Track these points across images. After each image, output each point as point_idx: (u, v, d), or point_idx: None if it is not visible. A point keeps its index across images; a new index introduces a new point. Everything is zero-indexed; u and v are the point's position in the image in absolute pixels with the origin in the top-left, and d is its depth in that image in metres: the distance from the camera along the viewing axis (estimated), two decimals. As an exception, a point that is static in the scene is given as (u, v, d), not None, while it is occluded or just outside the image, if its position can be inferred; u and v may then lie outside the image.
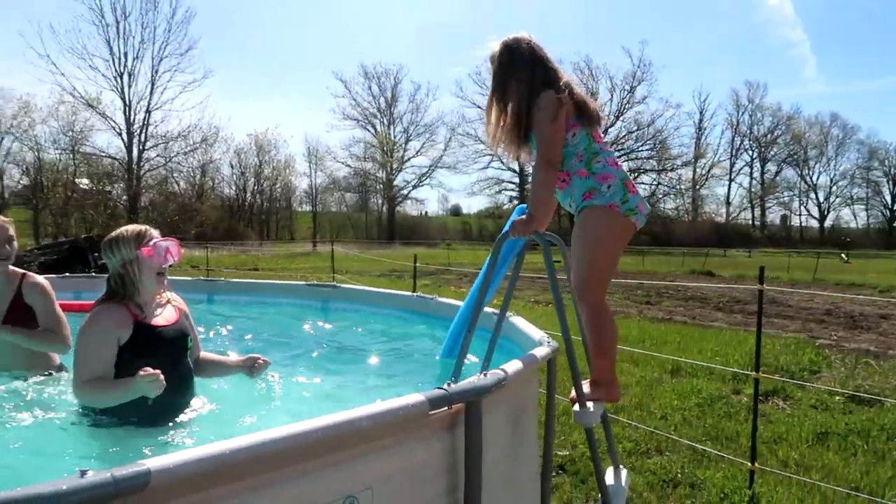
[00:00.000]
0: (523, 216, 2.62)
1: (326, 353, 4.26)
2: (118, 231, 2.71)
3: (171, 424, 2.53)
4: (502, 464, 2.19)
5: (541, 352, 2.54)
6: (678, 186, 63.82)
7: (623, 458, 4.39)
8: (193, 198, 41.35)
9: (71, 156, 36.35)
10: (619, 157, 60.06)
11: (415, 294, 5.14)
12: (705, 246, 44.47)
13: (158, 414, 2.48)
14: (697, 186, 64.85)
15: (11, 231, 3.27)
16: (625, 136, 60.43)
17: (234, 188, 50.80)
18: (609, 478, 2.79)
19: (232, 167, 49.69)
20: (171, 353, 2.64)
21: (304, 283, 5.91)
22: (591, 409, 2.51)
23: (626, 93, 58.82)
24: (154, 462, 1.18)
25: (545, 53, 2.76)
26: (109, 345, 2.49)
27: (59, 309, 3.22)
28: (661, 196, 63.88)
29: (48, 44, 67.72)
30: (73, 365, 2.51)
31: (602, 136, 2.83)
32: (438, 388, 1.74)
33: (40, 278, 3.27)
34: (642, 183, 61.93)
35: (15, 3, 65.06)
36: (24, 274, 3.23)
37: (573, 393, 2.61)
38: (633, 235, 2.77)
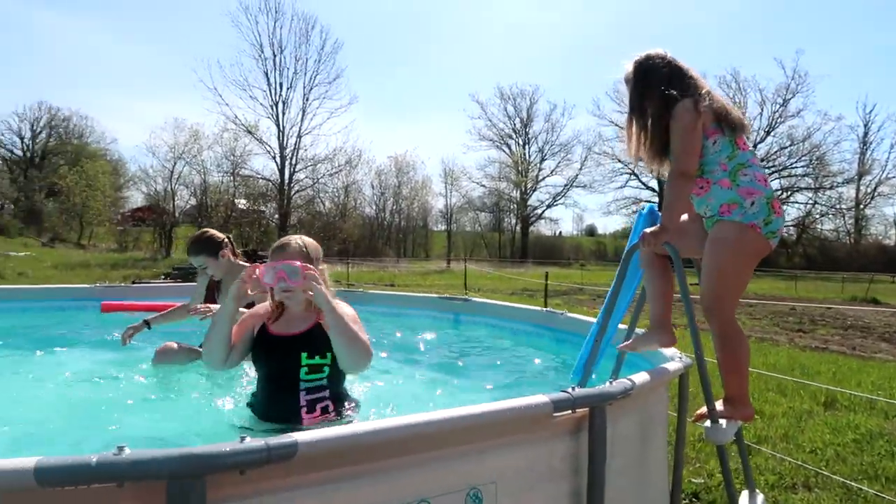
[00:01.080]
0: (654, 227, 2.59)
1: (453, 364, 4.38)
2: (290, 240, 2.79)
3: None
4: (628, 477, 2.17)
5: (672, 366, 2.49)
6: (838, 206, 58.46)
7: (764, 491, 4.12)
8: (337, 216, 43.73)
9: (231, 178, 39.81)
10: (770, 174, 56.15)
11: (544, 309, 5.15)
12: (870, 271, 40.40)
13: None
14: (861, 206, 59.01)
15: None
16: (776, 151, 56.36)
17: (374, 207, 53.17)
18: (744, 501, 2.66)
19: (373, 187, 52.08)
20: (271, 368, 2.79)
21: (436, 295, 6.10)
22: (724, 426, 2.42)
23: (777, 106, 55.00)
24: (302, 436, 1.32)
25: (681, 65, 2.72)
26: (244, 329, 2.72)
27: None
28: (817, 216, 58.80)
29: (215, 77, 74.90)
30: None
31: (748, 144, 2.72)
32: (563, 391, 1.78)
33: None
34: (796, 202, 57.39)
35: (188, 43, 72.56)
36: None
37: (701, 409, 2.53)
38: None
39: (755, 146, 55.43)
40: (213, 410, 2.89)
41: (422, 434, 1.44)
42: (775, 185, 57.06)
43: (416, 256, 50.13)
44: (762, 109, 56.09)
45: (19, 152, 51.44)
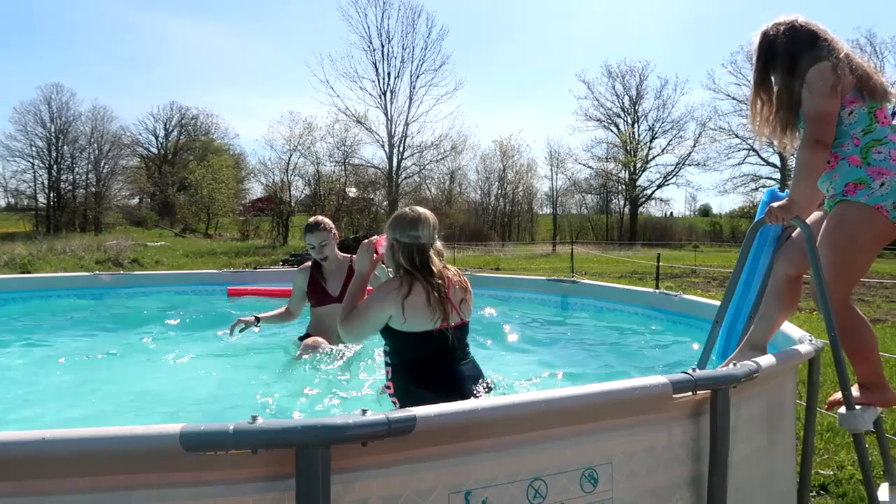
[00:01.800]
0: (782, 201, 2.43)
1: (562, 347, 4.34)
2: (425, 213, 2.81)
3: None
4: (752, 465, 2.08)
5: (802, 349, 2.34)
6: None
7: (906, 486, 3.81)
8: (443, 202, 44.21)
9: (342, 168, 41.15)
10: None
11: (657, 290, 4.99)
12: None
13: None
14: None
15: (324, 239, 4.04)
16: (918, 120, 51.23)
17: (479, 192, 53.30)
18: (883, 494, 2.47)
19: (478, 172, 52.19)
20: None
21: (545, 277, 6.05)
22: (861, 413, 2.25)
23: (921, 69, 49.91)
24: (420, 410, 1.36)
25: (814, 28, 2.51)
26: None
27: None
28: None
29: (327, 70, 77.50)
30: None
31: (890, 117, 2.49)
32: (683, 372, 1.72)
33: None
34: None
35: (302, 39, 75.50)
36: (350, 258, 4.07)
37: (835, 395, 2.37)
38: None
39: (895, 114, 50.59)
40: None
41: (539, 412, 1.44)
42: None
43: (521, 240, 49.89)
44: (902, 73, 51.03)
45: (154, 150, 55.66)
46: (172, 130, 56.13)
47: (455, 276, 2.76)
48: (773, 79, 2.57)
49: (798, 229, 2.57)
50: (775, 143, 2.69)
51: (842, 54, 2.41)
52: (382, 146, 39.60)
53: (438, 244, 2.78)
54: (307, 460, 1.27)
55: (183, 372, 3.52)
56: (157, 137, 55.60)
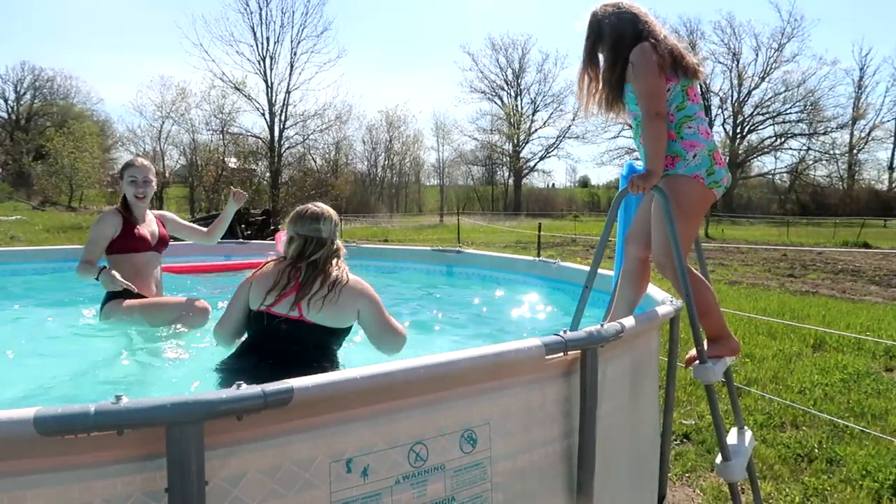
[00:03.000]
0: (642, 172, 2.59)
1: (446, 315, 4.42)
2: (328, 210, 2.83)
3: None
4: (619, 419, 2.22)
5: (662, 310, 2.52)
6: (832, 151, 58.27)
7: (754, 431, 4.23)
8: (329, 173, 43.42)
9: (221, 136, 39.34)
10: (764, 120, 55.68)
11: (538, 259, 5.18)
12: (862, 216, 40.54)
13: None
14: (855, 151, 58.84)
15: (150, 175, 3.94)
16: (771, 97, 55.78)
17: (366, 163, 52.81)
18: (732, 438, 2.74)
19: (364, 143, 51.66)
20: None
21: (429, 248, 6.11)
22: (712, 366, 2.47)
23: (773, 51, 54.27)
24: (297, 382, 1.35)
25: (637, 9, 2.71)
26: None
27: None
28: (811, 162, 58.65)
29: (201, 33, 73.28)
30: (384, 317, 2.80)
31: (698, 96, 2.74)
32: (555, 334, 1.81)
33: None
34: (790, 149, 57.18)
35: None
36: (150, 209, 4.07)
37: (691, 352, 2.58)
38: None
39: (749, 93, 54.84)
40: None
41: (416, 378, 1.47)
42: (769, 131, 56.74)
43: (409, 212, 50.05)
44: (757, 55, 55.38)
45: (4, 114, 50.67)
46: (25, 93, 51.27)
47: (342, 282, 2.67)
48: (599, 57, 2.75)
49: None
50: (601, 116, 2.89)
51: (661, 35, 2.62)
52: (263, 114, 38.22)
53: (339, 242, 2.80)
54: (178, 438, 1.22)
55: (42, 355, 3.26)
56: (6, 101, 50.62)
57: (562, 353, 1.81)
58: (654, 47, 2.56)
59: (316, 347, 2.62)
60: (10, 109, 50.87)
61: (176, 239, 4.41)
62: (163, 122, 38.87)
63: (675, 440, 4.10)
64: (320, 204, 2.83)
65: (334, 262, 2.71)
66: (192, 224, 4.37)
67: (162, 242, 4.01)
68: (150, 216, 4.03)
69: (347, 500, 1.43)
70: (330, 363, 2.62)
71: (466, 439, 1.63)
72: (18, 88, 50.81)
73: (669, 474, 3.49)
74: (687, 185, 2.62)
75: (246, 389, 1.29)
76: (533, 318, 4.30)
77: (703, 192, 2.64)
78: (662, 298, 2.86)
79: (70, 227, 26.46)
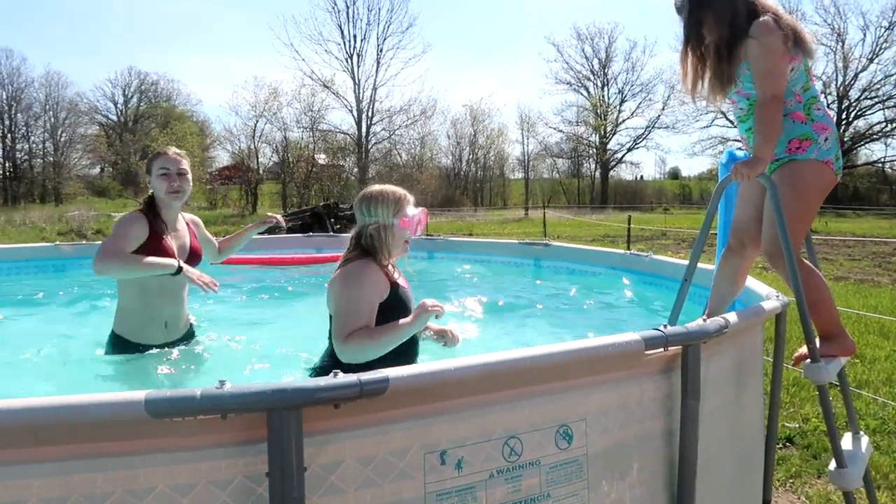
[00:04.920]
0: (747, 159, 2.44)
1: (538, 308, 4.36)
2: (378, 190, 2.55)
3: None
4: (720, 419, 2.11)
5: (768, 304, 2.37)
6: (951, 138, 53.54)
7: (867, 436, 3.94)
8: (414, 168, 43.90)
9: (311, 134, 40.53)
10: (873, 105, 51.88)
11: (628, 251, 5.03)
12: None
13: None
14: (977, 137, 53.85)
15: (184, 165, 3.08)
16: (880, 80, 51.86)
17: (450, 158, 53.06)
18: (846, 443, 2.55)
19: (448, 137, 51.87)
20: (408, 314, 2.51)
21: (517, 241, 6.06)
22: (825, 365, 2.30)
23: (883, 30, 50.45)
24: (392, 372, 1.34)
25: None
26: (375, 300, 2.38)
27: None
28: (926, 150, 54.14)
29: (291, 33, 75.71)
30: (336, 316, 2.33)
31: (815, 75, 2.54)
32: (654, 329, 1.73)
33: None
34: (903, 136, 53.04)
35: (266, 1, 73.43)
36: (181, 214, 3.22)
37: (801, 350, 2.41)
38: None
39: (856, 76, 51.28)
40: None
41: (512, 371, 1.44)
42: (878, 117, 52.88)
43: (493, 205, 49.93)
44: (865, 35, 51.57)
45: (114, 117, 54.13)
46: (132, 97, 54.56)
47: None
48: (704, 35, 2.53)
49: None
50: (711, 102, 2.69)
51: (770, 12, 2.42)
52: (351, 111, 39.10)
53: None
54: (278, 424, 1.25)
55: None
56: (115, 104, 54.03)
57: (661, 349, 1.73)
58: (776, 22, 2.37)
59: None
60: (119, 112, 54.31)
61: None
62: (256, 121, 40.42)
63: (778, 444, 3.88)
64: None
65: None
66: (212, 238, 3.47)
67: (194, 257, 3.15)
68: (182, 222, 3.20)
69: (441, 492, 1.42)
70: None
71: (562, 435, 1.59)
72: (126, 92, 54.17)
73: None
74: (816, 171, 2.44)
75: (342, 378, 1.30)
76: (624, 313, 4.18)
77: (830, 179, 2.48)
78: (767, 293, 2.69)
79: (173, 222, 27.92)
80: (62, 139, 48.20)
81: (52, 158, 47.75)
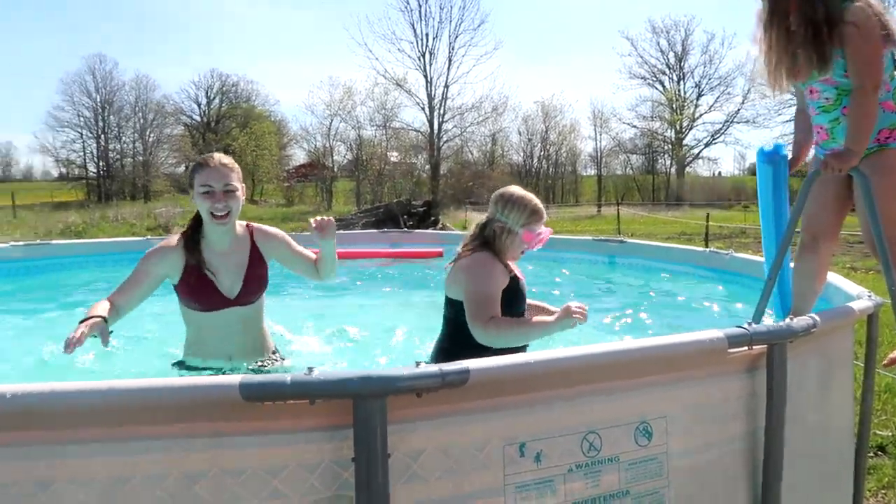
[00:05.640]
0: (837, 150, 2.33)
1: (615, 305, 4.30)
2: (518, 195, 2.65)
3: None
4: (808, 422, 2.04)
5: (859, 304, 2.27)
6: None
7: (970, 447, 3.70)
8: (485, 165, 43.89)
9: (383, 132, 41.13)
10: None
11: (707, 249, 4.89)
12: None
13: None
14: None
15: (233, 179, 2.53)
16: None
17: (521, 154, 52.75)
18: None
19: (520, 134, 51.54)
20: (523, 308, 2.71)
21: (591, 238, 5.98)
22: (925, 370, 2.18)
23: None
24: (473, 363, 1.37)
25: None
26: (500, 289, 2.51)
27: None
28: None
29: (365, 33, 76.96)
30: (472, 302, 2.44)
31: None
32: (739, 326, 1.69)
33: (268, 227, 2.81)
34: None
35: (340, 2, 75.04)
36: (248, 224, 2.74)
37: (893, 353, 2.29)
38: None
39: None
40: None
41: (592, 365, 1.44)
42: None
43: (565, 202, 49.30)
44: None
45: (197, 118, 56.47)
46: (214, 98, 56.69)
47: None
48: (790, 14, 2.39)
49: None
50: (791, 86, 2.55)
51: None
52: (423, 109, 39.32)
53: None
54: (364, 411, 1.29)
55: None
56: (199, 105, 56.25)
57: (746, 347, 1.69)
58: (869, 7, 2.26)
59: None
60: (202, 113, 56.60)
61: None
62: (331, 120, 41.34)
63: (870, 452, 3.69)
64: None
65: None
66: (305, 252, 2.82)
67: (249, 292, 2.62)
68: (242, 244, 2.65)
69: (520, 484, 1.44)
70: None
71: (642, 432, 1.58)
72: (209, 94, 56.34)
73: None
74: None
75: (425, 368, 1.33)
76: (703, 311, 4.08)
77: None
78: (858, 293, 2.57)
79: (252, 218, 28.94)
80: (150, 139, 50.71)
81: (141, 158, 50.29)
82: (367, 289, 5.42)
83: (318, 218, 2.57)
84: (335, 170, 41.95)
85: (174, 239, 2.58)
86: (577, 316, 2.25)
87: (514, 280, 2.63)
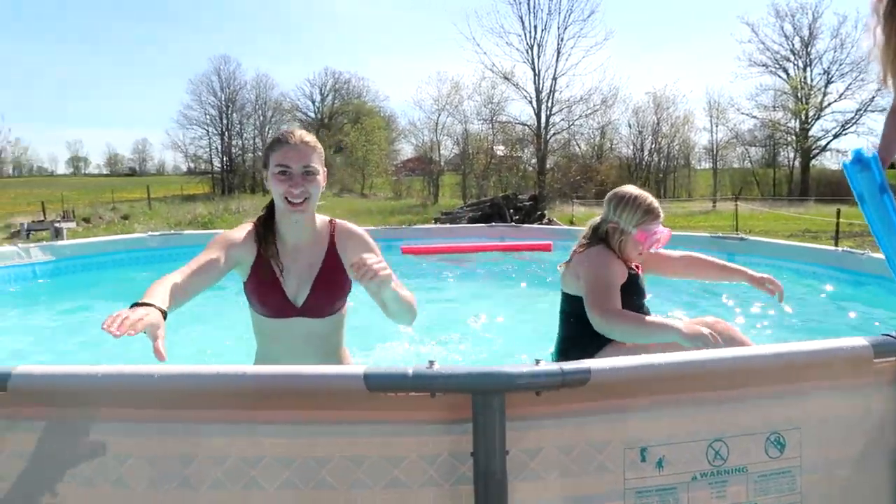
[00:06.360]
0: None
1: (736, 306, 4.08)
2: (631, 195, 2.60)
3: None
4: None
5: None
6: None
7: None
8: (593, 159, 42.95)
9: (490, 126, 41.16)
10: None
11: (840, 249, 4.54)
12: None
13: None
14: None
15: (314, 160, 2.06)
16: None
17: (631, 147, 51.21)
18: None
19: (630, 126, 50.04)
20: (642, 302, 2.66)
21: (707, 234, 5.71)
22: None
23: None
24: (594, 363, 1.34)
25: None
26: (619, 280, 2.48)
27: None
28: None
29: (473, 27, 77.22)
30: (592, 292, 2.41)
31: None
32: (885, 335, 1.55)
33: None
34: None
35: (447, -4, 75.69)
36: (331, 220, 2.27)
37: None
38: None
39: None
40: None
41: (723, 370, 1.37)
42: None
43: (677, 197, 47.43)
44: None
45: (312, 115, 58.85)
46: (327, 95, 58.85)
47: None
48: None
49: None
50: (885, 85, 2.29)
51: None
52: (530, 102, 38.95)
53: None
54: (483, 406, 1.30)
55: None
56: (313, 102, 58.60)
57: (894, 358, 1.55)
58: None
59: None
60: (316, 110, 58.95)
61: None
62: (439, 115, 41.86)
63: None
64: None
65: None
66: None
67: (319, 301, 2.15)
68: (315, 242, 2.18)
69: (641, 490, 1.39)
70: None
71: (773, 443, 1.48)
72: (323, 91, 58.61)
73: None
74: None
75: (545, 366, 1.32)
76: (838, 316, 3.79)
77: None
78: None
79: (362, 211, 29.95)
80: (269, 135, 53.39)
81: (260, 153, 53.10)
82: (477, 283, 5.46)
83: (359, 258, 1.82)
84: (442, 164, 42.43)
85: (246, 225, 2.18)
86: (709, 338, 2.09)
87: (634, 276, 2.61)
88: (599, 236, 2.63)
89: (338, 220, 2.27)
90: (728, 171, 55.54)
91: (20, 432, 1.41)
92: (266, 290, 2.12)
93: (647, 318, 2.39)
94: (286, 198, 2.03)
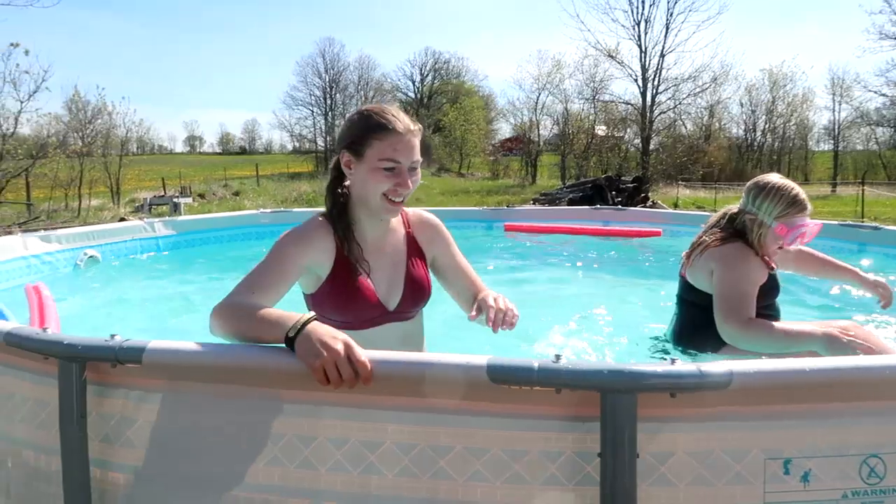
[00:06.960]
0: None
1: (866, 306, 3.75)
2: (774, 184, 2.44)
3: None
4: None
5: None
6: None
7: None
8: (701, 139, 41.01)
9: (591, 105, 40.10)
10: None
11: None
12: None
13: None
14: None
15: (417, 155, 1.83)
16: None
17: (742, 127, 48.53)
18: None
19: (742, 105, 47.37)
20: (774, 301, 2.50)
21: (836, 222, 5.29)
22: None
23: None
24: (737, 366, 1.24)
25: None
26: (757, 286, 2.34)
27: None
28: None
29: (578, 4, 75.20)
30: (725, 298, 2.29)
31: None
32: None
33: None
34: None
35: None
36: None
37: None
38: None
39: None
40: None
41: (877, 379, 1.23)
42: None
43: (793, 181, 44.72)
44: None
45: (412, 94, 59.48)
46: (427, 75, 59.20)
47: None
48: None
49: None
50: None
51: None
52: (635, 80, 37.53)
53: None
54: (612, 405, 1.22)
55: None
56: (413, 82, 59.16)
57: None
58: None
59: None
60: (416, 90, 59.51)
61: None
62: (539, 94, 41.21)
63: None
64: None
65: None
66: (469, 268, 2.03)
67: (412, 300, 1.92)
68: (394, 236, 1.96)
69: (783, 504, 1.28)
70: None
71: (938, 462, 1.32)
72: (423, 71, 59.05)
73: None
74: None
75: (681, 366, 1.23)
76: None
77: None
78: None
79: (460, 190, 30.08)
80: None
81: (359, 133, 54.35)
82: (582, 270, 5.32)
83: (488, 305, 1.72)
84: (540, 144, 41.86)
85: (316, 222, 1.84)
86: (854, 346, 1.94)
87: (772, 277, 2.44)
88: (737, 228, 2.47)
89: (407, 208, 1.97)
90: (850, 154, 51.70)
91: (152, 404, 1.47)
92: (353, 297, 1.80)
93: (785, 327, 2.23)
94: (388, 195, 1.77)
